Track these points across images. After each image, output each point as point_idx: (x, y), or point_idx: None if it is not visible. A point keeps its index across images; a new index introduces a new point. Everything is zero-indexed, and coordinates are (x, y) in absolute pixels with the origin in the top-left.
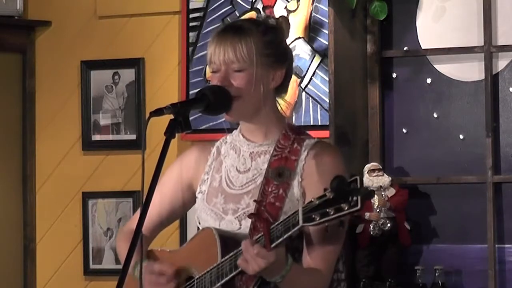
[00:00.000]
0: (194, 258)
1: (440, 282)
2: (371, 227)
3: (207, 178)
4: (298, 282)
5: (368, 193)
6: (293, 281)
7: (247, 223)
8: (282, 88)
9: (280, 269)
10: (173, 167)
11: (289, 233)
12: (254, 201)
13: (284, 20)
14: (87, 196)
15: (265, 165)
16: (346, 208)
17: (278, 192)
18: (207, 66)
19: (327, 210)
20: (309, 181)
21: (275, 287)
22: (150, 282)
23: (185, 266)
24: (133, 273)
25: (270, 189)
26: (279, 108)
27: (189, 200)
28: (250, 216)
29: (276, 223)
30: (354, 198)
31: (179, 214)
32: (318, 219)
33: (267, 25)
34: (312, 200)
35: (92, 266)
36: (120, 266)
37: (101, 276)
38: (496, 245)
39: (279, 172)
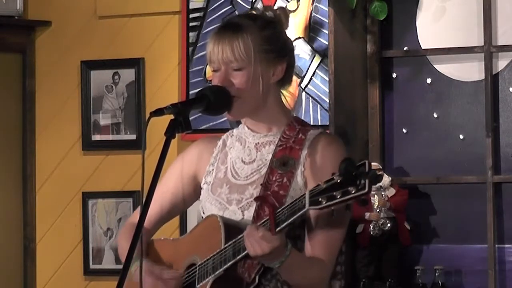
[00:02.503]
0: (198, 245)
1: (440, 282)
2: (371, 227)
3: (212, 170)
4: (297, 269)
5: (376, 177)
6: (292, 267)
7: (250, 214)
8: (285, 80)
9: (280, 254)
10: (174, 163)
11: (295, 216)
12: (261, 185)
13: (282, 11)
14: (87, 196)
15: (270, 156)
16: (353, 192)
17: (282, 181)
18: (208, 66)
19: (334, 193)
20: (310, 170)
21: (276, 275)
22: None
23: (188, 253)
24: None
25: (274, 178)
26: (283, 100)
27: (190, 195)
28: (256, 199)
29: (282, 208)
30: (362, 182)
31: (180, 209)
32: (324, 202)
33: (264, 19)
34: (320, 183)
35: (92, 266)
36: (120, 266)
37: (101, 276)
38: (496, 245)
39: (284, 162)
